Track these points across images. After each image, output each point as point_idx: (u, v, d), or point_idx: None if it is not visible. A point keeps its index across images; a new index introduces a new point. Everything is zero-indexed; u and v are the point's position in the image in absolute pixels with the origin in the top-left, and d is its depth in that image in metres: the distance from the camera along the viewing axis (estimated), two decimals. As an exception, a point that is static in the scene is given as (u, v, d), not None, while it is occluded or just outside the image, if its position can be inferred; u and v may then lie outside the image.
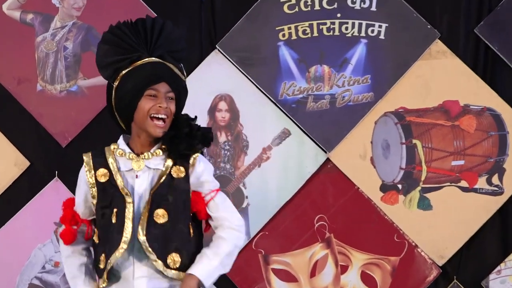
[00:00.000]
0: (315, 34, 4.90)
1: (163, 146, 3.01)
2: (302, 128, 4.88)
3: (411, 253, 4.87)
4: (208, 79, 4.84)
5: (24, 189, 4.93)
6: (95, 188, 3.02)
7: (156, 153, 3.00)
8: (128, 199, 2.96)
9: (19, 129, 4.94)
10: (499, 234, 4.89)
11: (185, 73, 3.09)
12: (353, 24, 4.90)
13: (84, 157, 3.07)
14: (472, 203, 4.87)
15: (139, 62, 2.98)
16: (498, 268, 4.87)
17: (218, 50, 4.84)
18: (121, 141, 3.09)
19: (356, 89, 4.90)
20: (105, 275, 2.97)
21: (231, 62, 4.85)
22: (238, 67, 4.85)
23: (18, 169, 4.91)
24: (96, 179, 3.03)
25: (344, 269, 4.89)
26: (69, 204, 3.11)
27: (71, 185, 4.80)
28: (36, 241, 4.90)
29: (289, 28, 4.88)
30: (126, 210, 2.95)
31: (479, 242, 4.89)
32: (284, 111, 4.84)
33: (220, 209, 3.03)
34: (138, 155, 3.01)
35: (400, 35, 4.88)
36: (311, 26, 4.90)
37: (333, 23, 4.90)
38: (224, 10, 4.89)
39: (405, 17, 4.87)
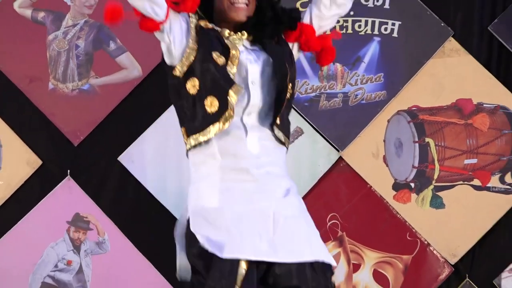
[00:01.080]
0: (328, 32, 4.75)
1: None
2: (314, 126, 4.90)
3: (423, 252, 4.88)
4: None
5: (36, 188, 4.95)
6: (198, 32, 2.88)
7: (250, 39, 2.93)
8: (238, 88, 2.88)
9: (31, 128, 4.96)
10: None
11: None
12: (366, 22, 4.92)
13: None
14: (485, 201, 4.88)
15: None
16: (510, 266, 4.87)
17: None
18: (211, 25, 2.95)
19: (369, 87, 4.91)
20: (222, 120, 2.88)
21: (244, 60, 4.89)
22: (251, 65, 4.88)
23: (30, 168, 4.93)
24: (199, 25, 2.90)
25: (356, 267, 4.91)
26: None
27: (84, 184, 4.97)
28: (48, 240, 4.92)
29: (302, 26, 4.92)
30: (245, 70, 2.90)
31: (492, 240, 4.88)
32: (297, 109, 4.82)
33: None
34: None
35: (414, 33, 4.90)
36: None
37: (346, 21, 4.91)
38: (237, 7, 4.96)
39: (419, 15, 4.89)
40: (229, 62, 2.87)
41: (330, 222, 4.90)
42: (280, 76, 2.90)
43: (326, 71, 4.93)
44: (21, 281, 4.89)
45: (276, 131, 2.94)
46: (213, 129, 2.88)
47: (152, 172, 4.91)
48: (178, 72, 2.90)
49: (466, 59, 4.88)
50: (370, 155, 4.90)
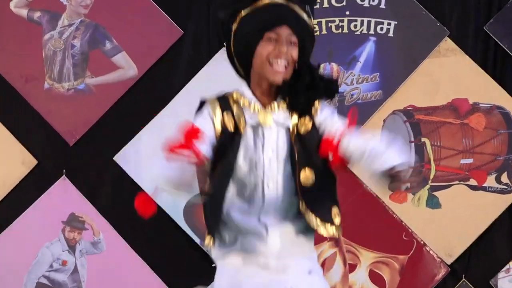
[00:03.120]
0: (324, 32, 4.96)
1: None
2: None
3: (419, 252, 4.91)
4: (217, 76, 4.81)
5: (32, 187, 4.99)
6: (221, 134, 2.76)
7: (281, 105, 2.78)
8: (260, 154, 2.76)
9: (27, 128, 5.00)
10: (508, 233, 4.96)
11: (312, 17, 2.82)
12: (362, 21, 4.96)
13: (208, 100, 2.78)
14: (481, 201, 4.93)
15: (260, 3, 2.75)
16: (507, 266, 4.93)
17: (226, 47, 4.92)
18: (245, 88, 2.81)
19: (365, 87, 4.95)
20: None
21: (240, 60, 4.91)
22: (247, 64, 4.90)
23: (26, 168, 4.97)
24: (222, 125, 2.78)
25: (352, 267, 4.95)
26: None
27: (79, 183, 5.00)
28: (43, 240, 4.97)
29: (298, 26, 4.95)
30: (259, 164, 2.76)
31: (488, 240, 4.94)
32: (293, 109, 4.84)
33: (360, 137, 2.78)
34: (264, 106, 2.78)
35: (409, 33, 4.93)
36: (319, 23, 4.96)
37: (342, 21, 4.96)
38: (233, 7, 4.97)
39: (414, 14, 4.93)
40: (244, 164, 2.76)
41: (326, 222, 4.96)
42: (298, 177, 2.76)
43: (322, 70, 4.76)
44: (16, 281, 4.94)
45: (303, 220, 2.79)
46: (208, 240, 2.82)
47: (148, 172, 4.93)
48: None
49: (462, 59, 4.92)
50: (366, 155, 4.95)
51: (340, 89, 4.93)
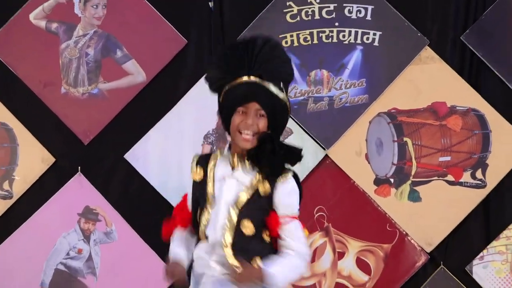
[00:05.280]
0: (315, 41, 4.96)
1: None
2: (303, 127, 4.95)
3: (402, 241, 4.93)
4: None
5: (50, 182, 5.00)
6: (192, 185, 3.07)
7: (247, 165, 3.00)
8: (209, 208, 3.01)
9: (45, 128, 5.01)
10: (482, 224, 4.97)
11: (286, 92, 3.02)
12: (350, 32, 4.96)
13: (194, 157, 3.09)
14: (457, 195, 4.94)
15: (237, 81, 2.97)
16: (481, 254, 4.94)
17: (227, 55, 4.94)
18: (227, 146, 3.09)
19: (352, 91, 4.96)
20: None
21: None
22: (245, 71, 4.91)
23: (45, 165, 4.98)
24: (194, 177, 3.07)
25: (341, 255, 4.96)
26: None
27: (93, 179, 5.01)
28: (61, 230, 4.98)
29: (291, 36, 4.95)
30: (204, 216, 3.03)
31: (464, 231, 4.96)
32: (287, 111, 4.86)
33: (291, 236, 2.99)
34: (234, 163, 3.03)
35: (393, 42, 4.95)
36: (311, 34, 4.96)
37: (332, 31, 4.96)
38: (232, 18, 4.97)
39: (397, 25, 4.95)
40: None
41: (317, 214, 4.95)
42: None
43: (314, 76, 4.97)
44: (36, 268, 4.96)
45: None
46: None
47: (155, 169, 4.94)
48: None
49: (441, 66, 4.93)
50: (353, 153, 4.97)
51: (330, 94, 4.96)
